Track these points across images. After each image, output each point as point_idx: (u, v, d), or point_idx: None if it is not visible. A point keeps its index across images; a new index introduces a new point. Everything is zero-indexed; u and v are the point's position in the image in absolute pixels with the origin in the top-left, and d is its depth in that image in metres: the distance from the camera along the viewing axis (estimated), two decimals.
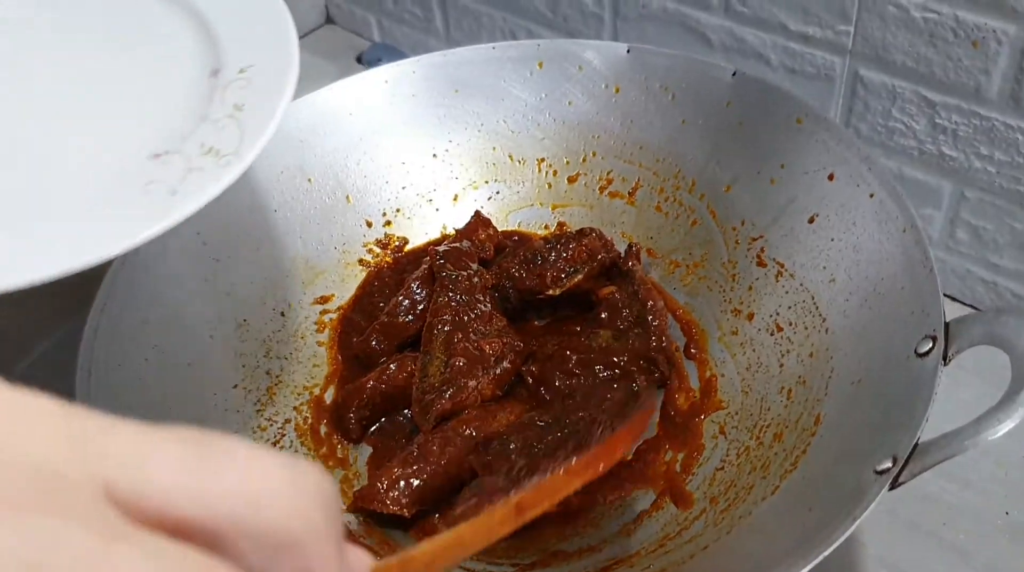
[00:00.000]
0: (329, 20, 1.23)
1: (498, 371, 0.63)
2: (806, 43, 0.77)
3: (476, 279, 0.67)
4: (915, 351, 0.50)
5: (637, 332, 0.64)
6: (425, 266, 0.69)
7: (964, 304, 0.79)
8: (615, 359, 0.63)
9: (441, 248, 0.69)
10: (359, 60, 1.15)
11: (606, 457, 0.42)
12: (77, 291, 0.58)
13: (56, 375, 0.54)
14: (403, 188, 0.74)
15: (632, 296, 0.66)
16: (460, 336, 0.63)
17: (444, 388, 0.61)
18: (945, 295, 0.79)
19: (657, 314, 0.65)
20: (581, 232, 0.67)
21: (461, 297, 0.66)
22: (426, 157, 0.75)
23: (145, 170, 0.46)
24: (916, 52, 0.71)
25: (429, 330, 0.65)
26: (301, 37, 1.18)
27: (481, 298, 0.66)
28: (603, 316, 0.66)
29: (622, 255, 0.68)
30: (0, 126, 0.51)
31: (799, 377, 0.58)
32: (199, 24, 0.52)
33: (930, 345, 0.50)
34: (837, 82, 0.77)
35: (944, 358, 0.49)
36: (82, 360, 0.56)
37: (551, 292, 0.67)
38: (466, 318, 0.65)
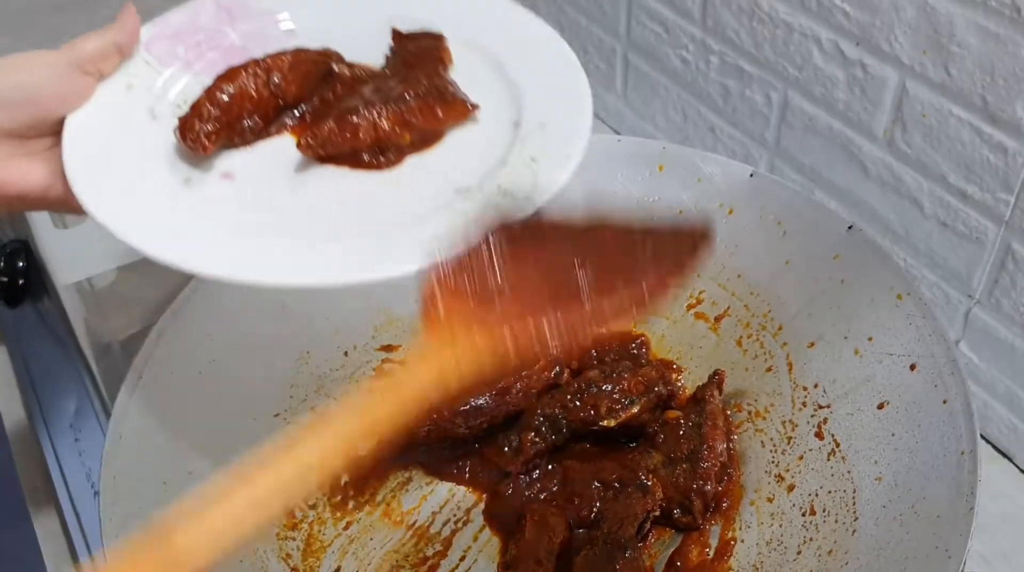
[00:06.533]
0: None
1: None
2: (963, 200, 0.71)
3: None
4: None
5: (685, 467, 0.61)
6: None
7: None
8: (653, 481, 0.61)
9: None
10: None
11: None
12: None
13: None
14: None
15: (695, 428, 0.63)
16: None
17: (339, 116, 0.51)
18: None
19: (712, 458, 0.61)
20: (637, 363, 0.65)
21: None
22: None
23: (450, 201, 0.50)
24: None
25: None
26: None
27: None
28: (660, 439, 0.63)
29: (669, 386, 0.65)
30: None
31: None
32: (508, 82, 0.57)
33: None
34: (988, 249, 0.71)
35: None
36: (137, 360, 0.60)
37: (606, 423, 0.63)
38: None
